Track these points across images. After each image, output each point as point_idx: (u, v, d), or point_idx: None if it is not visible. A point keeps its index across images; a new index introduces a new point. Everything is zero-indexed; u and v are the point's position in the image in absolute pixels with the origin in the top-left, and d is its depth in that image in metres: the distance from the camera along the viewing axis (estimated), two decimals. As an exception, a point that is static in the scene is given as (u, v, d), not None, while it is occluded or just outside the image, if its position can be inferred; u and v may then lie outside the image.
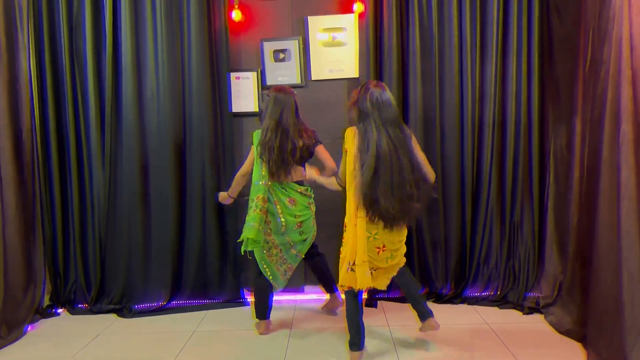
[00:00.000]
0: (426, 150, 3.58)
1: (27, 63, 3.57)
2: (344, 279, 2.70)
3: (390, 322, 3.33)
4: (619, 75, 2.46)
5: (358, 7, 3.62)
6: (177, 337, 3.23)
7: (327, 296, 3.55)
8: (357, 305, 2.76)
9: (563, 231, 3.36)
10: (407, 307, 3.54)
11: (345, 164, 2.72)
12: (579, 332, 2.91)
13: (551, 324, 3.19)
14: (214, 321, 3.48)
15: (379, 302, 3.66)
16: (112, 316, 3.62)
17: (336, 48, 3.72)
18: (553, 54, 3.47)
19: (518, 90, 3.54)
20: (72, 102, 3.65)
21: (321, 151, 3.08)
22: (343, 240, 2.77)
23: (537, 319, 3.30)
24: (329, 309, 3.52)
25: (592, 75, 2.90)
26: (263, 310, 3.23)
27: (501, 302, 3.56)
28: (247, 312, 3.63)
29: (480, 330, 3.17)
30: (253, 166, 3.10)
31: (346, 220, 2.75)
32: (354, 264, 2.63)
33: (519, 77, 3.53)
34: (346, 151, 2.71)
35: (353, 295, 2.74)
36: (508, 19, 3.50)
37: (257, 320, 3.26)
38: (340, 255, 2.77)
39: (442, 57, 3.59)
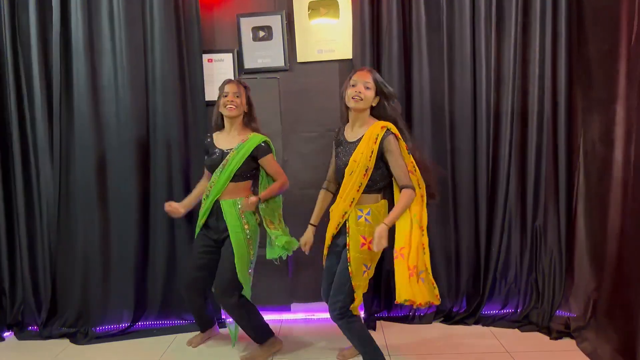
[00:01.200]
0: (435, 144, 3.15)
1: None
2: (420, 292, 2.23)
3: (390, 344, 2.86)
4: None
5: (352, -25, 3.10)
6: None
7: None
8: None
9: (598, 240, 2.84)
10: (408, 327, 3.14)
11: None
12: (625, 366, 2.38)
13: (585, 352, 2.68)
14: (182, 347, 2.98)
15: (377, 322, 3.18)
16: (65, 342, 3.11)
17: (327, 25, 3.20)
18: (585, 29, 2.94)
19: (542, 73, 3.05)
20: (16, 88, 3.12)
21: None
22: (403, 246, 2.24)
23: (569, 345, 2.79)
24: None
25: (640, 50, 2.36)
26: (267, 327, 2.80)
27: (522, 322, 3.07)
28: (222, 334, 3.12)
29: (499, 358, 2.67)
30: None
31: (409, 225, 2.26)
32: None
33: (543, 56, 3.04)
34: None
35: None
36: (531, -16, 3.00)
37: (266, 341, 2.77)
38: (408, 263, 2.22)
39: (452, 34, 3.09)
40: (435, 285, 2.31)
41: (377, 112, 2.37)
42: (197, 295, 2.87)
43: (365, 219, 2.30)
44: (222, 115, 2.75)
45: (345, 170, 2.33)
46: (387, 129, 2.28)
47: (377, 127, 2.29)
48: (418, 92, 3.11)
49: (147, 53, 3.14)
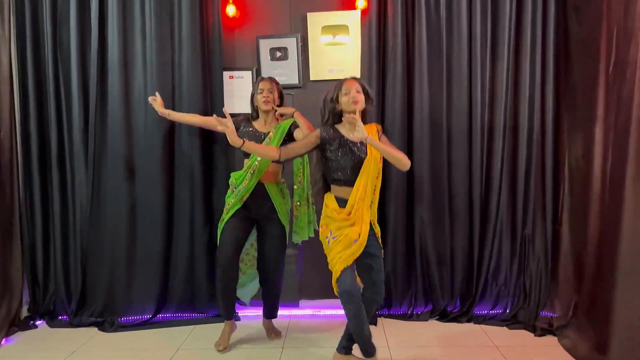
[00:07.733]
0: (433, 156, 3.39)
1: (8, 58, 3.35)
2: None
3: (390, 339, 3.09)
4: (649, 76, 2.22)
5: (362, 3, 3.39)
6: (157, 356, 2.98)
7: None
8: None
9: (580, 247, 3.10)
10: (406, 324, 3.37)
11: None
12: (599, 360, 2.65)
13: (565, 348, 2.93)
14: (200, 337, 3.24)
15: (378, 318, 3.42)
16: (94, 330, 3.38)
17: (338, 47, 3.48)
18: (570, 56, 3.22)
19: (532, 94, 3.30)
20: (56, 99, 3.42)
21: None
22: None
23: (551, 342, 3.05)
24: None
25: (617, 78, 2.65)
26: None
27: (511, 321, 3.32)
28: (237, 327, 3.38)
29: (488, 352, 2.92)
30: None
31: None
32: None
33: (533, 80, 3.29)
34: None
35: None
36: (522, 16, 3.26)
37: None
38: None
39: (451, 57, 3.35)
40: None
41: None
42: (235, 276, 2.97)
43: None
44: (257, 109, 3.03)
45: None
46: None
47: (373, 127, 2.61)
48: (419, 109, 3.35)
49: (174, 69, 3.40)
